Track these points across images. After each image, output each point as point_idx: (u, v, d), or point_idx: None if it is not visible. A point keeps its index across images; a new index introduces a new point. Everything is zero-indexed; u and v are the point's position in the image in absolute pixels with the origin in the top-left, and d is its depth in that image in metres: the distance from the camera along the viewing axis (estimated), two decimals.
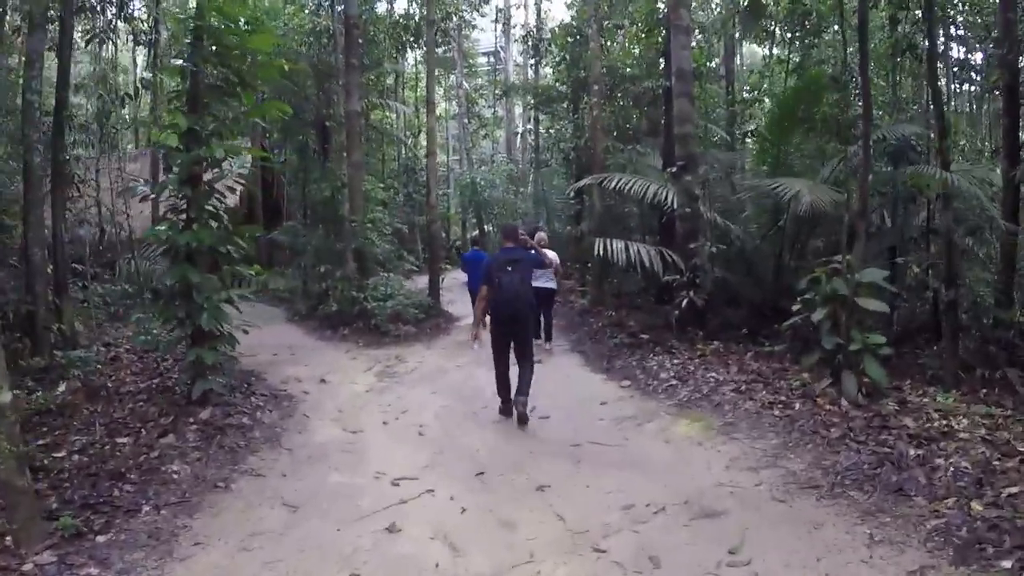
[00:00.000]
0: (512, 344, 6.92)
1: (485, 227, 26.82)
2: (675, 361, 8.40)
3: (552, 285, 10.54)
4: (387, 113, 30.75)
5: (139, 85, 8.29)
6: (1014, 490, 4.36)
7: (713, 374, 7.64)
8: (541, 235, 11.37)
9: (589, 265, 14.82)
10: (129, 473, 5.43)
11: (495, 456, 5.96)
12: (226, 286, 7.51)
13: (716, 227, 10.31)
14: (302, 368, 9.98)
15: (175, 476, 5.55)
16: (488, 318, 7.31)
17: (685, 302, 9.17)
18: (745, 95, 19.18)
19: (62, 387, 7.53)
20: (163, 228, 7.10)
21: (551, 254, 9.58)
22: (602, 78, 14.28)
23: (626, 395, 7.62)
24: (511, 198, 26.82)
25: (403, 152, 27.79)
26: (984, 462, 4.80)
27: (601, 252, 9.71)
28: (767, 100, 18.98)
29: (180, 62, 7.65)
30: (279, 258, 19.27)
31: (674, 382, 7.68)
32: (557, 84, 18.57)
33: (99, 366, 8.56)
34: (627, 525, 4.49)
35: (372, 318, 12.07)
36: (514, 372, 7.00)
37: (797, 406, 6.43)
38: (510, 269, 6.82)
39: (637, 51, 16.30)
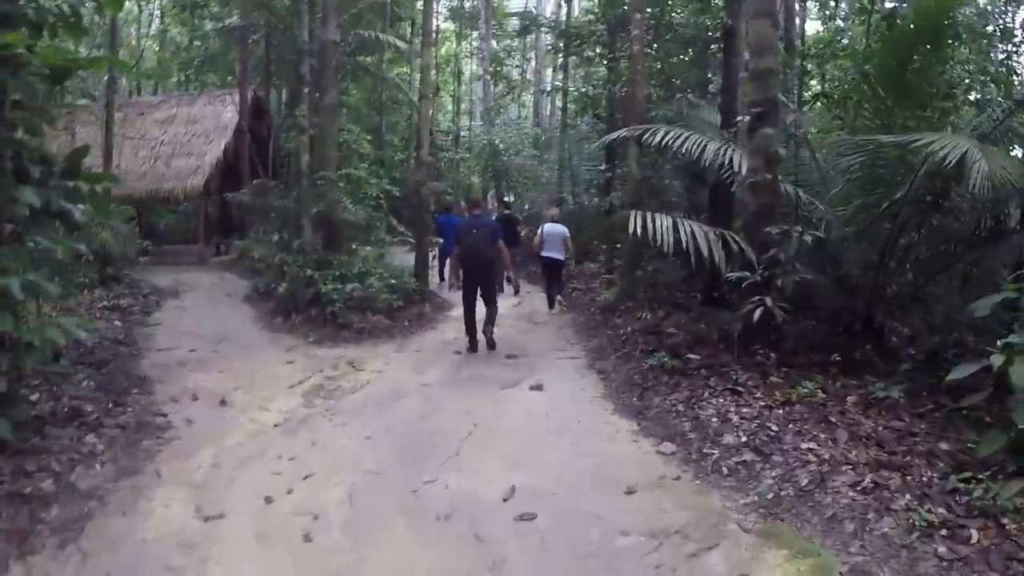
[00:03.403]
0: (479, 292, 8.25)
1: (504, 197, 22.92)
2: (745, 410, 5.32)
3: (560, 257, 11.13)
4: (406, 69, 27.73)
5: None
6: None
7: (811, 444, 4.59)
8: (554, 210, 12.82)
9: (619, 246, 11.78)
10: None
11: None
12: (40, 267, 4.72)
13: (801, 206, 7.27)
14: (212, 375, 7.26)
15: None
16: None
17: (759, 311, 6.13)
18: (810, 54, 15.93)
19: None
20: None
21: (560, 228, 11.16)
22: (644, 9, 11.08)
23: (669, 474, 4.56)
24: (535, 164, 23.53)
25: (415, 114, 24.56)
26: None
27: (638, 230, 6.53)
28: (841, 58, 15.68)
29: None
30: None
31: (748, 454, 4.63)
32: (591, 24, 15.34)
33: None
34: None
35: (328, 305, 9.20)
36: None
37: (974, 535, 3.48)
38: (475, 232, 8.18)
39: None
